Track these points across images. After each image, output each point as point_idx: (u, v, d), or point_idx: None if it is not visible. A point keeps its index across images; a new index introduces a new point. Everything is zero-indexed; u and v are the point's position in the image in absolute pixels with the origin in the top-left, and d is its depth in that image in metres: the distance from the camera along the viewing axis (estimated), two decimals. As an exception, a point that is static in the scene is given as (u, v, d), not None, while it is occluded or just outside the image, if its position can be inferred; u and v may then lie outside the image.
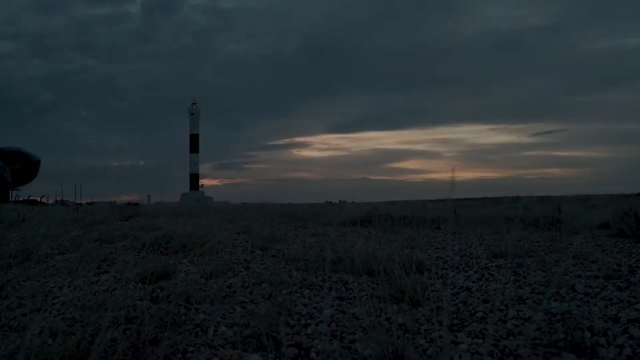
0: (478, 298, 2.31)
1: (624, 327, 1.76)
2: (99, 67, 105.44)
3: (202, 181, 55.63)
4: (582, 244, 4.38)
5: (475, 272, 2.97)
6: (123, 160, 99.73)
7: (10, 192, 37.15)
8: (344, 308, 2.16)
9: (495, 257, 3.58)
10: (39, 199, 34.28)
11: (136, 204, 15.20)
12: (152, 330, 1.73)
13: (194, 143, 55.29)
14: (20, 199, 33.55)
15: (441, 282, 2.70)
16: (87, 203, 31.15)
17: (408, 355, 1.47)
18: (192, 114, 55.76)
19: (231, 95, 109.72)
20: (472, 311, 2.07)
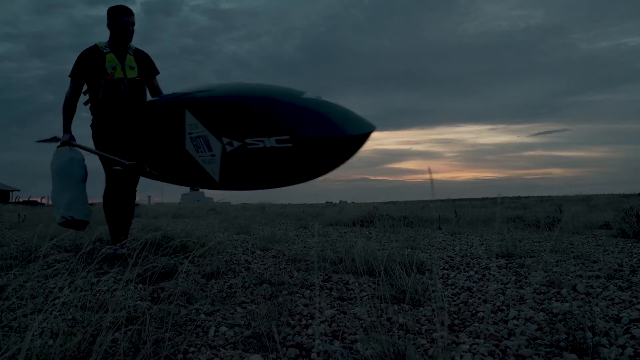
0: (479, 298, 2.30)
1: (625, 327, 1.76)
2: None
3: (203, 182, 55.37)
4: (583, 244, 4.38)
5: (476, 273, 2.97)
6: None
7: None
8: (345, 308, 2.15)
9: (497, 258, 3.57)
10: (39, 200, 34.13)
11: (137, 204, 15.13)
12: (153, 330, 1.73)
13: (195, 143, 55.26)
14: (21, 199, 33.38)
15: (442, 283, 2.70)
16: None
17: (409, 355, 1.47)
18: (193, 115, 55.67)
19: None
20: (473, 311, 2.07)
